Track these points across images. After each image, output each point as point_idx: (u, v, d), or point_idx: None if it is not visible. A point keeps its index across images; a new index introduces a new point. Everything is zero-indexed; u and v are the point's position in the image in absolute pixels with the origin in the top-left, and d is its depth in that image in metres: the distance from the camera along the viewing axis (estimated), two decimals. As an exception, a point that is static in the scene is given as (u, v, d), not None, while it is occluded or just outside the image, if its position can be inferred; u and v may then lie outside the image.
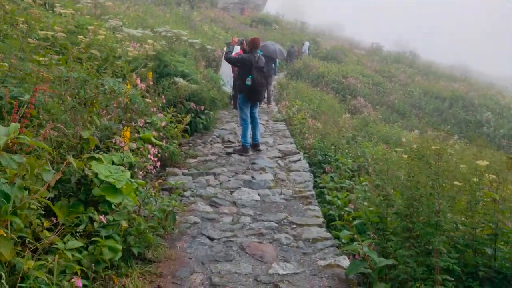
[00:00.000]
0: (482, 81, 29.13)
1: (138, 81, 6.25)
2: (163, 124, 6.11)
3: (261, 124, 9.93)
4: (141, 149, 5.04)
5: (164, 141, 6.09)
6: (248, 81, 6.95)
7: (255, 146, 7.45)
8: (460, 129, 21.62)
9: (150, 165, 5.06)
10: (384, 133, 13.44)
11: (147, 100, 6.40)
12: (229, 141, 8.05)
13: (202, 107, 7.94)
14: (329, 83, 21.19)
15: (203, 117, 8.03)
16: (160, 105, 6.87)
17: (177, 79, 8.12)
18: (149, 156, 5.03)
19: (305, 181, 5.87)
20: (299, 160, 7.03)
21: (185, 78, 8.46)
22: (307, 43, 25.10)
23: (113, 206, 3.34)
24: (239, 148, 7.33)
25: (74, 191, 3.48)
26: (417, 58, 30.50)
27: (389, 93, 23.32)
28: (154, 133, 5.81)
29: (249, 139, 7.37)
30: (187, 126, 7.69)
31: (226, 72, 11.27)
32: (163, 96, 6.80)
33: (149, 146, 5.13)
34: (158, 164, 5.36)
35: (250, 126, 7.38)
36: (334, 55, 26.13)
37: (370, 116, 17.20)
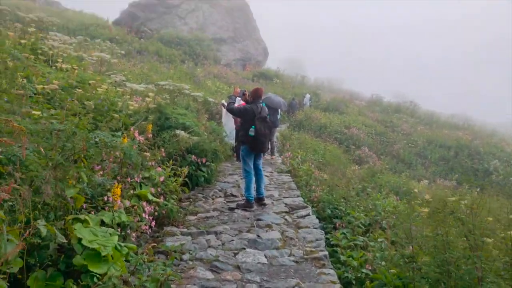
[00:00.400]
0: (485, 129, 28.90)
1: (136, 134, 5.90)
2: (162, 178, 5.68)
3: (266, 176, 9.49)
4: (135, 207, 4.58)
5: (162, 197, 5.63)
6: (252, 132, 6.63)
7: (259, 200, 6.97)
8: (468, 178, 21.06)
9: (145, 224, 4.57)
10: (393, 183, 12.93)
11: (146, 153, 6.03)
12: (232, 195, 7.57)
13: (204, 160, 7.54)
14: (332, 133, 21.02)
15: (204, 169, 7.62)
16: (160, 158, 6.49)
17: (178, 131, 7.79)
18: (144, 215, 4.56)
19: (316, 239, 5.31)
20: (308, 215, 6.51)
21: (187, 130, 8.15)
22: (308, 96, 25.21)
23: (96, 278, 2.83)
24: (243, 202, 6.84)
25: (53, 259, 2.99)
26: (417, 108, 30.52)
27: (393, 142, 23.04)
28: (152, 189, 5.37)
29: (253, 193, 6.91)
30: (187, 180, 7.27)
31: (228, 123, 11.02)
32: (162, 149, 6.42)
33: (144, 204, 4.67)
34: (154, 223, 4.87)
35: (253, 179, 6.94)
36: (335, 106, 26.17)
37: (376, 166, 16.78)
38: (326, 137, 20.00)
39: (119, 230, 3.95)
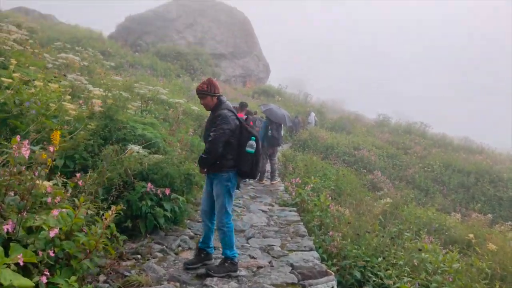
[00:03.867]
0: (502, 153, 25.99)
1: (25, 145, 3.13)
2: (53, 232, 2.87)
3: (263, 212, 6.64)
4: None
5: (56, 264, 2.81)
6: (251, 147, 3.96)
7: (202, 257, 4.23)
8: (492, 207, 18.16)
9: None
10: (423, 218, 10.06)
11: (46, 183, 3.27)
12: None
13: (167, 190, 4.73)
14: (339, 155, 18.25)
15: (167, 205, 4.79)
16: (84, 190, 3.73)
17: (131, 146, 5.03)
18: None
19: None
20: (331, 292, 3.68)
21: (149, 146, 5.40)
22: (313, 114, 22.53)
23: None
24: (223, 265, 4.01)
25: None
26: (428, 129, 27.72)
27: (407, 166, 20.16)
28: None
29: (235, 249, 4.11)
30: (138, 222, 4.50)
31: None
32: (77, 176, 3.67)
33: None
34: None
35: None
36: (342, 126, 23.48)
37: (391, 194, 13.94)
38: (333, 159, 17.21)
39: None
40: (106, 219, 3.33)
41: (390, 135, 24.89)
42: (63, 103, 5.33)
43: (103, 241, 3.20)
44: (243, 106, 9.17)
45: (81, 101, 6.03)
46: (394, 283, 4.59)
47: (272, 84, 31.05)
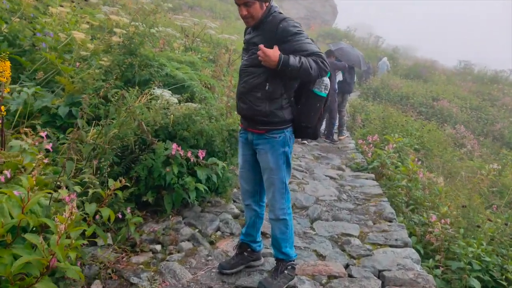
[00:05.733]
0: None
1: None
2: None
3: (331, 179, 5.07)
4: None
5: None
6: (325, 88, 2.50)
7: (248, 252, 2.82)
8: None
9: None
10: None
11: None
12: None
13: (201, 153, 3.30)
14: (415, 106, 15.86)
15: (202, 174, 3.38)
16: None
17: (159, 90, 3.62)
18: None
19: None
20: None
21: (185, 92, 3.96)
22: (385, 59, 19.78)
23: None
24: (282, 273, 2.56)
25: None
26: (518, 78, 23.62)
27: (493, 120, 17.20)
28: None
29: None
30: (163, 194, 3.20)
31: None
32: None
33: None
34: None
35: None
36: (418, 73, 20.56)
37: (484, 155, 11.67)
38: (408, 110, 14.92)
39: None
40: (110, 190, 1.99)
41: (474, 84, 21.50)
42: (72, 31, 3.98)
43: (73, 245, 1.86)
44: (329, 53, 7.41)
45: (105, 34, 4.67)
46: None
47: (339, 27, 28.09)
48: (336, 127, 8.16)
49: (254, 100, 2.39)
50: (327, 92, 2.42)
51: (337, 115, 8.05)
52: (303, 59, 2.24)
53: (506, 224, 3.85)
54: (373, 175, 5.43)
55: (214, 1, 23.94)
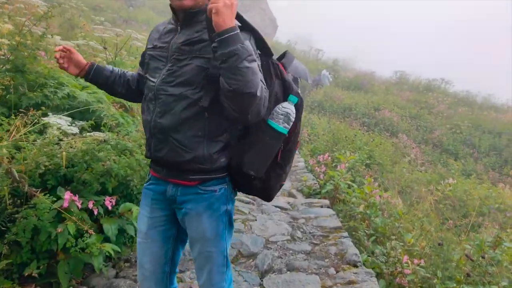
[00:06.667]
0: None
1: None
2: None
3: (282, 210, 4.36)
4: None
5: None
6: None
7: None
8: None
9: None
10: (473, 195, 7.75)
11: None
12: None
13: (111, 201, 2.41)
14: (358, 117, 15.90)
15: (111, 228, 2.48)
16: None
17: (53, 117, 2.66)
18: None
19: None
20: None
21: (88, 117, 3.04)
22: (324, 71, 19.87)
23: None
24: None
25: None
26: (450, 86, 24.80)
27: (432, 128, 17.70)
28: None
29: None
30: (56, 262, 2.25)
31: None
32: None
33: None
34: None
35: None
36: (359, 84, 20.84)
37: (428, 165, 11.70)
38: (352, 120, 14.86)
39: None
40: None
41: (411, 93, 22.21)
42: None
43: None
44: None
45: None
46: None
47: (280, 41, 28.07)
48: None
49: (183, 138, 1.52)
50: (288, 128, 1.57)
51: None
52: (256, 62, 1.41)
53: (483, 257, 3.32)
54: (327, 201, 4.78)
55: (151, 14, 22.89)
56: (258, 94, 1.34)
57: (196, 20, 1.56)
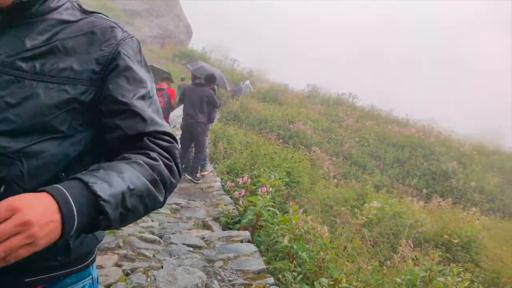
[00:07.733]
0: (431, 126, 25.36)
1: None
2: None
3: (195, 249, 3.61)
4: None
5: None
6: None
7: None
8: (427, 182, 17.15)
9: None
10: (387, 210, 7.80)
11: None
12: None
13: None
14: (274, 129, 15.77)
15: None
16: None
17: None
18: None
19: None
20: None
21: None
22: (247, 82, 19.73)
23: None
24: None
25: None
26: (357, 101, 26.30)
27: (342, 140, 18.36)
28: None
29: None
30: None
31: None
32: None
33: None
34: None
35: None
36: (273, 96, 20.94)
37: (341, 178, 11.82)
38: (267, 133, 14.64)
39: None
40: None
41: (322, 106, 23.00)
42: None
43: None
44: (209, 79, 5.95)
45: None
46: None
47: (195, 48, 27.27)
48: (201, 163, 6.76)
49: None
50: (162, 198, 0.92)
51: (206, 150, 6.68)
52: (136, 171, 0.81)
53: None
54: (247, 233, 4.15)
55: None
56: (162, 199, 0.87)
57: (22, 20, 0.85)
